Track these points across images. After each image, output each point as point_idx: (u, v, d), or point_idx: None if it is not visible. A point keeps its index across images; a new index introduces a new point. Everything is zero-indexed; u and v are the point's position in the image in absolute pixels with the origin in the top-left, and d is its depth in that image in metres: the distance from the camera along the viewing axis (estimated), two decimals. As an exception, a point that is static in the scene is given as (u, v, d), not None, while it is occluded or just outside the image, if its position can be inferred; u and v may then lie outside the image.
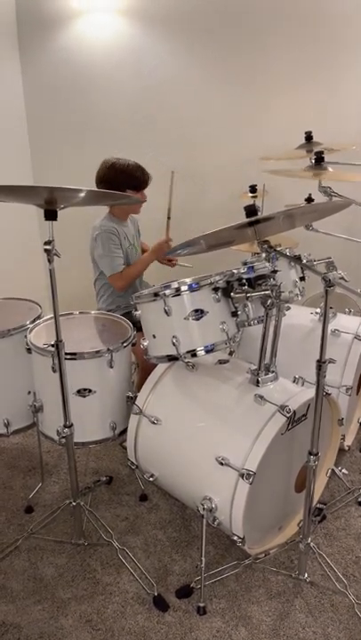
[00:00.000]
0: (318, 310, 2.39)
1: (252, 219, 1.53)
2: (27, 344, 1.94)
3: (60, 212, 1.56)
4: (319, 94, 3.04)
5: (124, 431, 1.98)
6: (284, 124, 3.10)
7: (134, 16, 3.08)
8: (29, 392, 2.06)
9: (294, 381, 1.90)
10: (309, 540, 1.69)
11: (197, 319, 1.77)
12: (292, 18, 2.94)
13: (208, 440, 1.74)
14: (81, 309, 2.25)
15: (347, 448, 2.37)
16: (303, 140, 2.58)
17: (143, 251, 2.76)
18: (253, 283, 1.81)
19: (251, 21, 2.99)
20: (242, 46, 3.05)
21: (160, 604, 1.68)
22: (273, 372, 1.82)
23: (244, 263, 1.94)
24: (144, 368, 2.25)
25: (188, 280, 1.83)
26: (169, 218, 2.63)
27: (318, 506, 2.01)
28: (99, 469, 2.35)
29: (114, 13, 3.09)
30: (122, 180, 2.42)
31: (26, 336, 1.97)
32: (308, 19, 2.93)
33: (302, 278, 2.14)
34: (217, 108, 3.19)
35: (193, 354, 1.79)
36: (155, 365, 1.97)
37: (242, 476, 1.58)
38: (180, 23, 3.06)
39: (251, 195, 2.83)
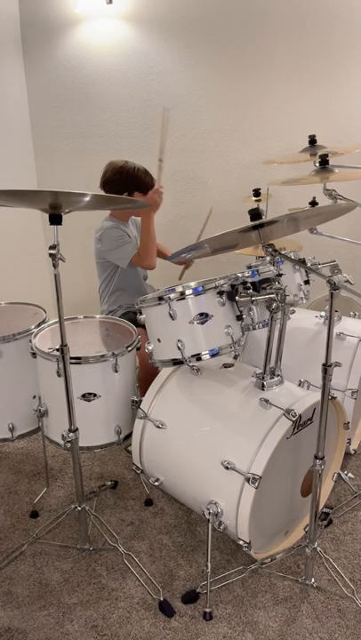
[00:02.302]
0: (323, 314, 2.38)
1: (257, 222, 1.53)
2: (32, 348, 1.94)
3: (64, 217, 1.56)
4: (323, 98, 3.04)
5: (129, 435, 1.98)
6: (287, 128, 3.11)
7: (137, 22, 3.10)
8: (34, 396, 2.07)
9: (300, 385, 1.89)
10: (316, 545, 1.68)
11: (202, 323, 1.77)
12: (295, 22, 2.95)
13: (213, 444, 1.73)
14: (85, 314, 2.26)
15: (353, 452, 2.36)
16: (307, 144, 2.58)
17: (159, 252, 2.71)
18: (258, 286, 1.81)
19: (254, 25, 3.00)
20: (245, 50, 3.06)
21: (166, 609, 1.67)
22: (278, 375, 1.82)
23: (249, 267, 1.94)
24: (144, 371, 2.26)
25: (192, 284, 1.83)
26: (160, 160, 2.43)
27: (325, 510, 2.00)
28: (104, 474, 2.35)
29: (117, 20, 3.10)
30: (131, 183, 2.43)
31: (31, 340, 1.98)
32: (312, 22, 2.93)
33: (307, 282, 2.13)
34: (221, 113, 3.20)
35: (198, 358, 1.79)
36: (157, 369, 1.97)
37: (247, 480, 1.57)
38: (184, 28, 3.07)
39: (255, 198, 2.84)
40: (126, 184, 2.43)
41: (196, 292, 1.77)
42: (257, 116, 3.15)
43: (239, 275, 1.83)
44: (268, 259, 1.78)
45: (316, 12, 2.91)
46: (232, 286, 1.81)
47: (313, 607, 1.68)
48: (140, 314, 1.88)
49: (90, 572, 1.83)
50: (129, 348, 1.94)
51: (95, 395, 1.89)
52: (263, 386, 1.78)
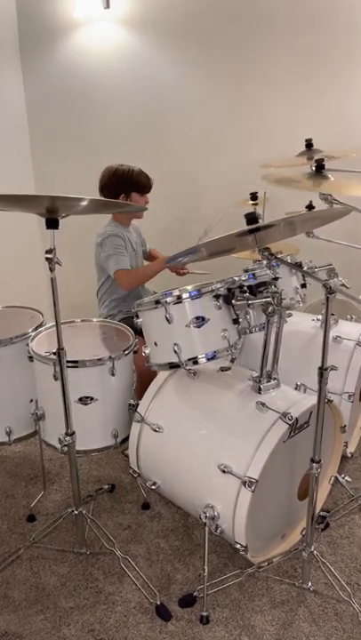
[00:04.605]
0: (320, 317, 2.39)
1: (253, 226, 1.54)
2: (28, 352, 1.94)
3: (61, 221, 1.57)
4: (320, 102, 3.05)
5: (126, 439, 1.98)
6: (284, 132, 3.11)
7: (135, 27, 3.11)
8: (31, 400, 2.06)
9: (296, 388, 1.89)
10: (313, 549, 1.68)
11: (199, 326, 1.77)
12: (292, 25, 2.96)
13: (210, 448, 1.74)
14: (82, 317, 2.26)
15: (350, 455, 2.36)
16: (304, 148, 2.59)
17: (153, 257, 2.77)
18: (255, 290, 1.81)
19: (252, 29, 3.02)
20: (243, 54, 3.07)
21: (163, 613, 1.67)
22: (275, 379, 1.82)
23: (246, 270, 1.95)
24: (141, 375, 2.25)
25: (189, 288, 1.83)
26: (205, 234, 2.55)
27: (321, 514, 2.00)
28: (101, 477, 2.35)
29: (115, 24, 3.11)
30: (126, 184, 2.45)
31: (28, 344, 1.97)
32: (309, 25, 2.95)
33: (304, 285, 2.14)
34: (218, 116, 3.21)
35: (194, 361, 1.79)
36: (152, 373, 1.97)
37: (244, 483, 1.57)
38: (180, 33, 3.08)
39: (251, 202, 2.84)
40: (122, 186, 2.45)
41: (193, 296, 1.77)
42: (255, 119, 3.16)
43: (236, 278, 1.84)
44: (264, 262, 1.79)
45: (315, 16, 2.92)
46: (229, 290, 1.81)
47: (310, 611, 1.68)
48: (138, 317, 1.89)
49: (87, 575, 1.83)
50: (126, 352, 1.95)
51: (92, 398, 1.89)
52: (260, 389, 1.78)
